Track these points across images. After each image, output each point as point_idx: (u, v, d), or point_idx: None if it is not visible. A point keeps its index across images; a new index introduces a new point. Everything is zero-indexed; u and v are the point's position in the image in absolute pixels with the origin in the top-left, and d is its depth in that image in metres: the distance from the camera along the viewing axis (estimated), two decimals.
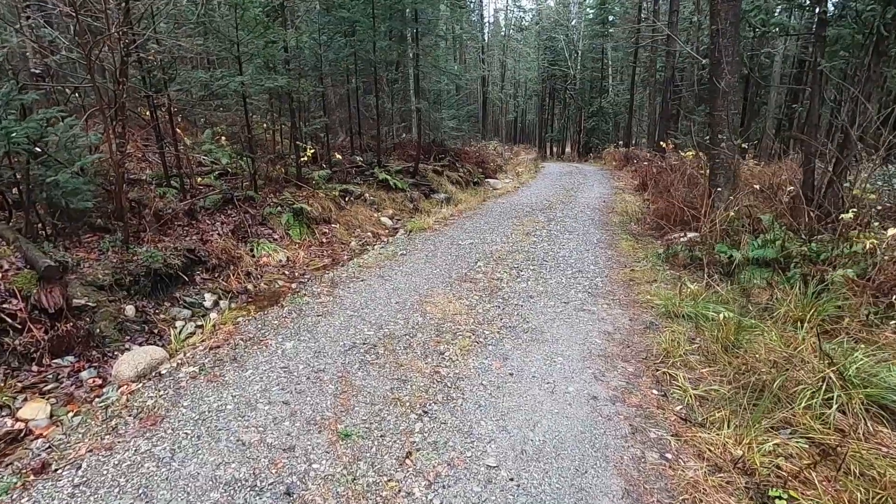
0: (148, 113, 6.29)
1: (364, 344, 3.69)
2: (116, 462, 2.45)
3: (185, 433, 2.66)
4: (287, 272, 6.01)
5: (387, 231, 8.46)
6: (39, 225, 4.53)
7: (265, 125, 8.03)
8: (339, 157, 9.27)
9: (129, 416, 2.86)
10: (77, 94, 6.07)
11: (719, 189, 6.38)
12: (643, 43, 20.88)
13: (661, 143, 12.87)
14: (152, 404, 2.96)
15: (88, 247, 4.62)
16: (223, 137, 7.03)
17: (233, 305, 5.02)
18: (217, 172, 7.69)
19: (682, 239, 6.52)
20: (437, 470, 2.39)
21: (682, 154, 11.34)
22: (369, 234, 8.00)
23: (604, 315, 4.24)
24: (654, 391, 3.06)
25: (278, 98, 7.96)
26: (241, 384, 3.15)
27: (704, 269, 4.89)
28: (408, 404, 2.91)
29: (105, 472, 2.38)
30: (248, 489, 2.26)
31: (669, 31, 13.95)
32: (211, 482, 2.30)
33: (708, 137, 10.94)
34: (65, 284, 4.03)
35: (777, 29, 7.55)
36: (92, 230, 4.97)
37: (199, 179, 7.13)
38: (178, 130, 7.04)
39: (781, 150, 16.12)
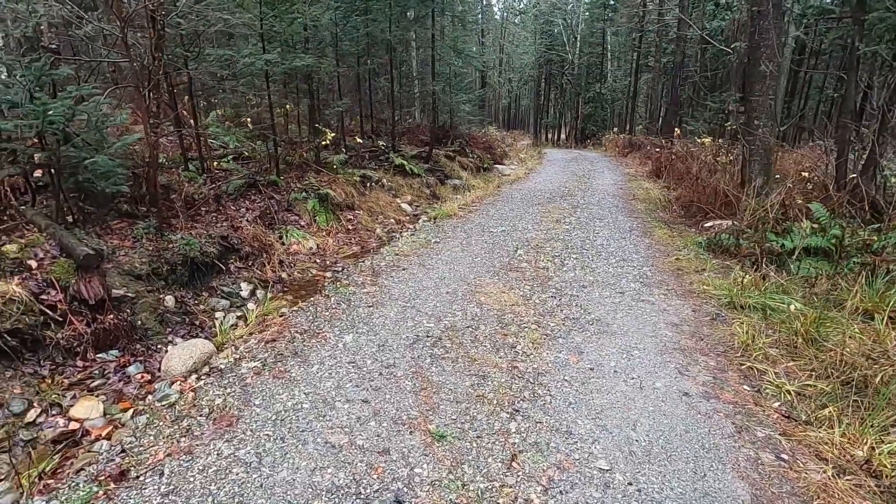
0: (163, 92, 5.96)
1: (428, 337, 3.53)
2: (201, 467, 2.27)
3: (267, 435, 2.49)
4: (318, 260, 5.80)
5: (407, 217, 8.24)
6: (65, 209, 4.26)
7: (288, 106, 7.71)
8: (359, 141, 8.99)
9: (200, 416, 2.67)
10: (92, 71, 5.72)
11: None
12: (651, 28, 20.61)
13: (676, 129, 12.72)
14: (222, 403, 2.77)
15: (121, 234, 4.37)
16: (248, 120, 6.72)
17: (269, 295, 4.81)
18: (231, 156, 7.39)
19: (719, 227, 6.41)
20: (548, 474, 2.25)
21: (699, 140, 11.23)
22: (392, 220, 7.78)
23: (664, 306, 4.12)
24: (746, 387, 2.95)
25: (295, 79, 7.62)
26: (310, 381, 2.98)
27: (759, 258, 4.78)
28: (495, 402, 2.77)
29: (192, 479, 2.20)
30: (354, 497, 2.10)
31: (682, 15, 13.72)
32: (310, 490, 2.14)
33: (731, 123, 10.82)
34: (103, 274, 3.79)
35: (813, 11, 7.39)
36: (119, 216, 4.70)
37: (216, 163, 6.84)
38: (185, 112, 6.72)
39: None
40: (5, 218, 4.06)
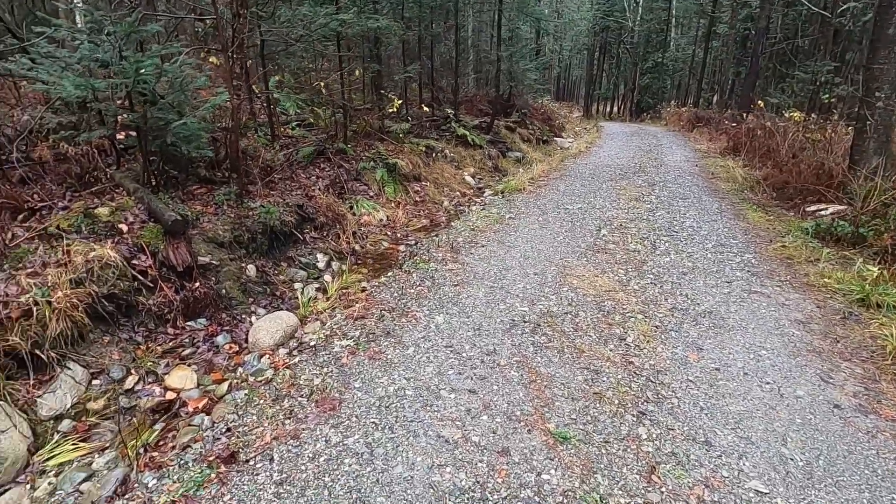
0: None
1: (524, 322, 3.27)
2: (311, 455, 2.13)
3: (374, 423, 2.33)
4: (389, 232, 5.62)
5: (472, 191, 7.93)
6: (150, 173, 4.20)
7: (357, 71, 7.45)
8: (426, 109, 8.67)
9: (301, 397, 2.54)
10: (168, 31, 5.61)
11: None
12: None
13: (759, 101, 11.68)
14: (321, 384, 2.63)
15: (202, 199, 4.29)
16: (323, 86, 6.51)
17: (344, 267, 4.68)
18: (295, 123, 7.25)
19: (834, 212, 5.78)
20: (696, 493, 1.97)
21: (787, 115, 10.23)
22: (458, 193, 7.50)
23: (782, 300, 3.69)
24: None
25: (363, 43, 7.33)
26: (408, 365, 2.79)
27: (890, 249, 4.22)
28: (616, 402, 2.50)
29: (304, 468, 2.06)
30: (481, 503, 1.90)
31: None
32: (431, 491, 1.95)
33: (827, 96, 9.79)
34: (189, 240, 3.72)
35: None
36: (198, 181, 4.63)
37: (283, 129, 6.71)
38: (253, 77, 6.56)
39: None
40: (92, 180, 4.04)
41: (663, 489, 1.99)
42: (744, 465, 2.12)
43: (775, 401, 2.53)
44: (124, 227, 3.53)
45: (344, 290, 4.05)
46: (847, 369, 2.82)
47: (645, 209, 6.17)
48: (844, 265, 4.31)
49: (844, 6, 8.43)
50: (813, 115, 9.64)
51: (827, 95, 9.60)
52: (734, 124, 12.61)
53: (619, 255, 4.53)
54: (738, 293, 3.79)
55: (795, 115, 10.14)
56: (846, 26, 9.05)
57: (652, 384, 2.65)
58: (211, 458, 2.13)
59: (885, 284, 3.70)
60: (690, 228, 5.41)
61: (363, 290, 3.94)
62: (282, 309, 3.88)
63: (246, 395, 2.60)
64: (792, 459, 2.15)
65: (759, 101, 11.76)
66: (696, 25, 28.61)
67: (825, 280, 4.01)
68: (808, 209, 6.04)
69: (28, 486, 2.20)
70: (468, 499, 1.92)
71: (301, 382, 2.66)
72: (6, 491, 2.16)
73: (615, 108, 34.50)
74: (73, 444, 2.42)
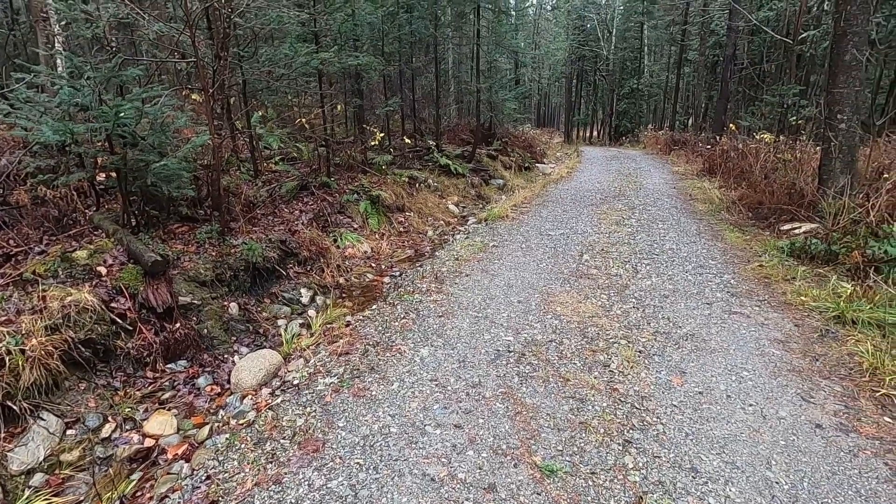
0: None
1: (509, 352, 3.28)
2: (293, 501, 2.08)
3: (358, 464, 2.28)
4: (374, 264, 5.63)
5: (456, 219, 8.02)
6: (129, 214, 4.18)
7: (339, 106, 7.58)
8: (408, 141, 8.81)
9: (284, 439, 2.49)
10: (150, 73, 5.68)
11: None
12: (694, 20, 19.80)
13: (731, 124, 12.09)
14: (304, 425, 2.59)
15: (183, 238, 4.27)
16: (303, 121, 6.60)
17: (328, 301, 4.66)
18: (279, 157, 7.31)
19: (797, 231, 5.95)
20: None
21: (759, 136, 10.60)
22: (441, 222, 7.57)
23: (761, 320, 3.75)
24: (887, 419, 2.59)
25: (344, 78, 7.49)
26: (393, 401, 2.77)
27: (861, 266, 4.34)
28: (602, 431, 2.49)
29: None
30: None
31: (736, 5, 13.04)
32: None
33: (794, 118, 10.18)
34: (169, 280, 3.69)
35: None
36: (179, 219, 4.62)
37: (266, 165, 6.76)
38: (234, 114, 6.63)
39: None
40: (71, 222, 4.01)
41: None
42: (730, 491, 2.12)
43: (759, 423, 2.55)
44: (103, 270, 3.49)
45: (328, 325, 4.03)
46: (827, 388, 2.86)
47: (626, 233, 6.28)
48: (819, 283, 4.42)
49: (804, 34, 8.86)
50: (782, 137, 9.98)
51: (794, 117, 9.99)
52: (709, 146, 13.01)
53: (602, 280, 4.59)
54: (718, 314, 3.85)
55: (766, 136, 10.51)
56: (807, 52, 9.50)
57: (637, 411, 2.65)
58: None
59: (859, 301, 3.79)
60: (670, 251, 5.51)
61: (347, 324, 3.92)
62: (265, 347, 3.83)
63: (227, 439, 2.55)
64: (777, 483, 2.16)
65: (731, 124, 12.17)
66: (668, 53, 29.78)
67: (802, 298, 4.09)
68: (782, 228, 6.21)
69: None
70: None
71: (284, 424, 2.61)
72: None
73: (595, 133, 35.41)
74: (46, 500, 2.34)
